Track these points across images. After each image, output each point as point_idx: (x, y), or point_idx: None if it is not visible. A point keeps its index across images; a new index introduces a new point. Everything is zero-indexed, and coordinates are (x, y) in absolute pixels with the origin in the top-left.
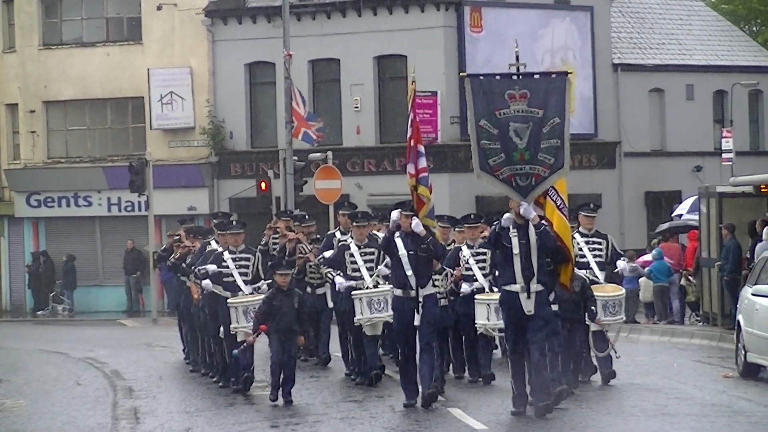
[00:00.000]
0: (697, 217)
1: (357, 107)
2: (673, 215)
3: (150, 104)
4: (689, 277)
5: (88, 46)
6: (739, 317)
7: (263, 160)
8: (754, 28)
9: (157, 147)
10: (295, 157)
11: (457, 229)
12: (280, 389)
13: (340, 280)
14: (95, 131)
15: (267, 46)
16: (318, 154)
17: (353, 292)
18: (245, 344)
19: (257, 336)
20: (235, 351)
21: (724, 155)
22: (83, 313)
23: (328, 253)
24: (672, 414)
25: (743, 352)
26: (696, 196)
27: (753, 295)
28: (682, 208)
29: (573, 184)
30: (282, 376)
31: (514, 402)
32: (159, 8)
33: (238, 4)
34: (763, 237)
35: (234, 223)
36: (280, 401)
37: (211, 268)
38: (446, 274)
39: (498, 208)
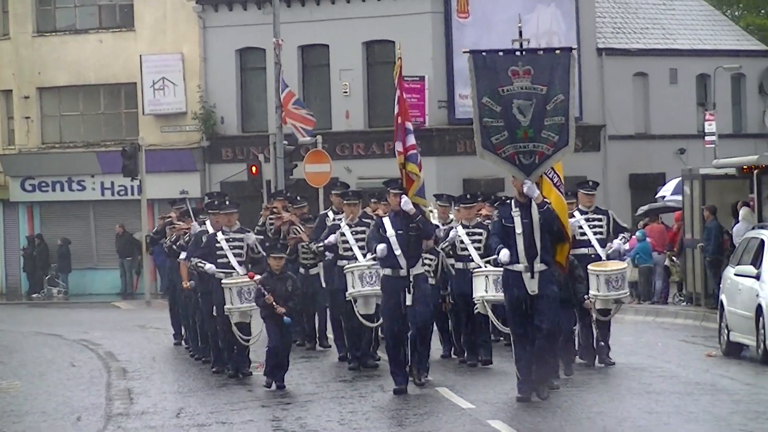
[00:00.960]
0: (680, 199)
1: (346, 92)
2: (657, 197)
3: (142, 90)
4: (673, 257)
5: (81, 32)
6: (722, 297)
7: (254, 144)
8: (737, 13)
9: (150, 132)
10: (285, 142)
11: (455, 207)
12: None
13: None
14: (89, 117)
15: (257, 32)
16: (308, 138)
17: (345, 266)
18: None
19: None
20: (287, 318)
21: (707, 138)
22: (78, 296)
23: (333, 238)
24: (657, 392)
25: (726, 332)
26: (679, 178)
27: (736, 275)
28: (666, 190)
29: (579, 164)
30: (277, 360)
31: (520, 388)
32: None
33: None
34: (740, 218)
35: (227, 202)
36: (274, 386)
37: (210, 268)
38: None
39: (485, 190)
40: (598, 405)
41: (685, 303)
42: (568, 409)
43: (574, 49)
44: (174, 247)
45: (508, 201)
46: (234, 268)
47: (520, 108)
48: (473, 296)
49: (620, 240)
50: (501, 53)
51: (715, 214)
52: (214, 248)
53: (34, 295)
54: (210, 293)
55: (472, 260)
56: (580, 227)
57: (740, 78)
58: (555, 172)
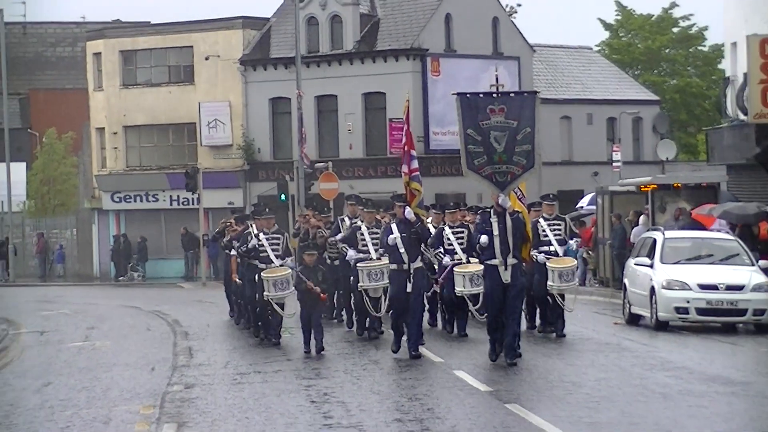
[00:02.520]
0: (594, 208)
1: (350, 130)
2: (577, 207)
3: (200, 128)
4: (589, 251)
5: (156, 85)
6: (625, 280)
7: (282, 168)
8: (636, 72)
9: (206, 159)
10: (305, 166)
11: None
12: (312, 342)
13: (351, 253)
14: (161, 147)
15: (285, 86)
16: (322, 164)
17: (358, 264)
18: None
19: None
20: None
21: (614, 164)
22: (152, 279)
23: (339, 236)
24: (577, 350)
25: (628, 306)
26: (594, 193)
27: (635, 264)
28: (584, 202)
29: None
30: (312, 334)
31: (490, 354)
32: (207, 58)
33: (263, 55)
34: (640, 223)
35: (267, 210)
36: (313, 352)
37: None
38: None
39: (452, 201)
40: (533, 360)
41: (598, 285)
42: (518, 370)
43: (538, 92)
44: (230, 244)
45: (488, 210)
46: (272, 261)
47: (496, 138)
48: (455, 288)
49: (573, 242)
50: (481, 95)
51: (620, 220)
52: (256, 245)
53: (120, 279)
54: (252, 280)
55: (456, 253)
56: (544, 230)
57: (639, 120)
58: (519, 190)
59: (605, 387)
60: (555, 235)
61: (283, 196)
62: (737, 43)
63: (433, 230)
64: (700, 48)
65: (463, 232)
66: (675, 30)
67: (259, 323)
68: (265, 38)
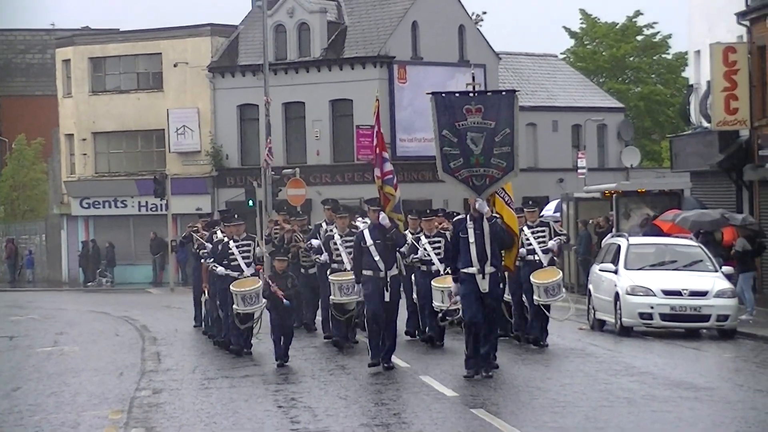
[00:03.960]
0: (559, 215)
1: (317, 137)
2: (542, 213)
3: (168, 134)
4: (554, 257)
5: (125, 92)
6: (590, 286)
7: (250, 174)
8: (601, 80)
9: (174, 165)
10: (272, 172)
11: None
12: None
13: (316, 246)
14: (129, 154)
15: (253, 93)
16: (289, 170)
17: (330, 277)
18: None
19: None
20: (287, 302)
21: (579, 170)
22: (120, 284)
23: (315, 242)
24: (542, 356)
25: (593, 311)
26: (559, 200)
27: (600, 270)
28: (549, 209)
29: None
30: (282, 341)
31: (466, 364)
32: (175, 65)
33: (232, 62)
34: (613, 230)
35: (236, 216)
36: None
37: (221, 270)
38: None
39: (419, 208)
40: (506, 366)
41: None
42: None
43: (518, 91)
44: (198, 252)
45: (464, 216)
46: (243, 269)
47: (473, 139)
48: (433, 303)
49: (555, 241)
50: (457, 95)
51: (586, 226)
52: (226, 253)
53: (88, 284)
54: (225, 290)
55: (434, 263)
56: (527, 239)
57: (603, 127)
58: (506, 192)
59: (570, 392)
60: (539, 243)
61: (250, 202)
62: (701, 51)
63: (410, 237)
64: (664, 56)
65: (440, 241)
66: (639, 38)
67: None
68: (233, 45)
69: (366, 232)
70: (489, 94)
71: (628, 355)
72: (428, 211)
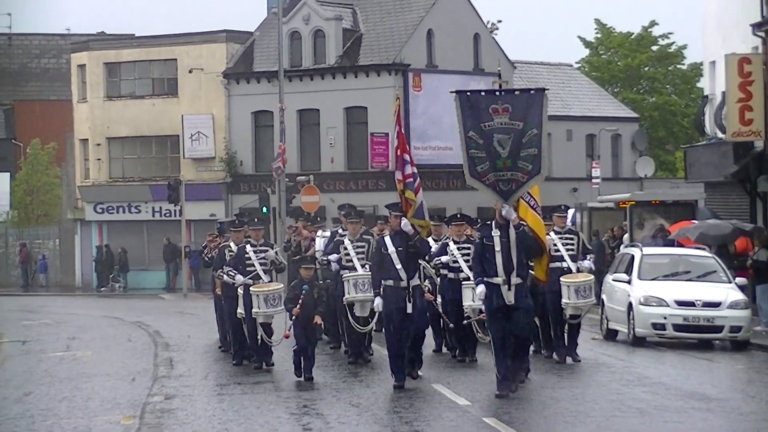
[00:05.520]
0: (573, 225)
1: (331, 144)
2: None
3: (183, 140)
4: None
5: (139, 98)
6: (603, 296)
7: (264, 181)
8: (615, 89)
9: (188, 171)
10: (287, 179)
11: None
12: (303, 367)
13: (333, 257)
14: (144, 159)
15: (267, 99)
16: (303, 177)
17: (343, 275)
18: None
19: (290, 330)
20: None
21: (593, 180)
22: (134, 290)
23: (334, 257)
24: (554, 366)
25: (606, 321)
26: (573, 209)
27: (613, 280)
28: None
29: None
30: (303, 358)
31: (499, 386)
32: (190, 71)
33: (247, 69)
34: (624, 240)
35: (255, 220)
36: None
37: (239, 280)
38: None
39: (459, 212)
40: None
41: None
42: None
43: (547, 90)
44: (209, 260)
45: (489, 223)
46: (260, 276)
47: (500, 141)
48: (463, 304)
49: (589, 260)
50: (483, 93)
51: (598, 235)
52: (243, 259)
53: (101, 289)
54: (234, 298)
55: (462, 270)
56: (555, 245)
57: (618, 137)
58: (531, 196)
59: (582, 402)
60: (567, 250)
61: (264, 209)
62: (716, 62)
63: (432, 243)
64: (679, 66)
65: (469, 248)
66: (654, 48)
67: (240, 346)
68: (248, 52)
69: (387, 239)
70: (517, 92)
71: (640, 366)
72: (458, 216)
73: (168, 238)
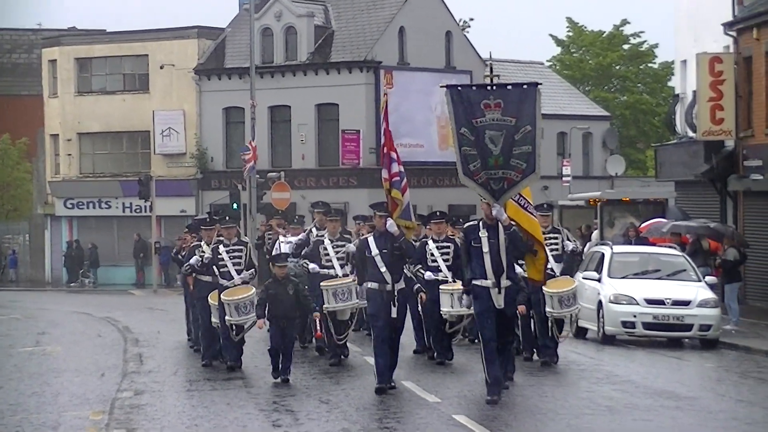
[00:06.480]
0: None
1: (302, 140)
2: None
3: (154, 136)
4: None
5: (110, 93)
6: None
7: (235, 177)
8: (587, 88)
9: (159, 167)
10: (257, 175)
11: (427, 227)
12: (280, 368)
13: (313, 266)
14: (114, 155)
15: (239, 96)
16: (274, 173)
17: (321, 284)
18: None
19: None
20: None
21: (564, 178)
22: (103, 285)
23: (312, 266)
24: (524, 364)
25: (576, 319)
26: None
27: (583, 278)
28: None
29: (466, 198)
30: (280, 357)
31: (490, 390)
32: (161, 67)
33: (218, 65)
34: (592, 238)
35: (227, 218)
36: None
37: (194, 259)
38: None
39: (438, 210)
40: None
41: None
42: (466, 376)
43: (540, 84)
44: (181, 259)
45: (476, 223)
46: (232, 276)
47: (492, 138)
48: (441, 309)
49: (573, 243)
50: (474, 88)
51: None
52: (216, 258)
53: (71, 284)
54: (206, 299)
55: (441, 270)
56: None
57: (589, 135)
58: (522, 196)
59: (551, 399)
60: (552, 251)
61: (235, 205)
62: (687, 61)
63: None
64: (650, 65)
65: (449, 247)
66: (626, 47)
67: (208, 346)
68: (219, 48)
69: (371, 240)
70: (509, 87)
71: (610, 364)
72: (438, 214)
73: (138, 234)
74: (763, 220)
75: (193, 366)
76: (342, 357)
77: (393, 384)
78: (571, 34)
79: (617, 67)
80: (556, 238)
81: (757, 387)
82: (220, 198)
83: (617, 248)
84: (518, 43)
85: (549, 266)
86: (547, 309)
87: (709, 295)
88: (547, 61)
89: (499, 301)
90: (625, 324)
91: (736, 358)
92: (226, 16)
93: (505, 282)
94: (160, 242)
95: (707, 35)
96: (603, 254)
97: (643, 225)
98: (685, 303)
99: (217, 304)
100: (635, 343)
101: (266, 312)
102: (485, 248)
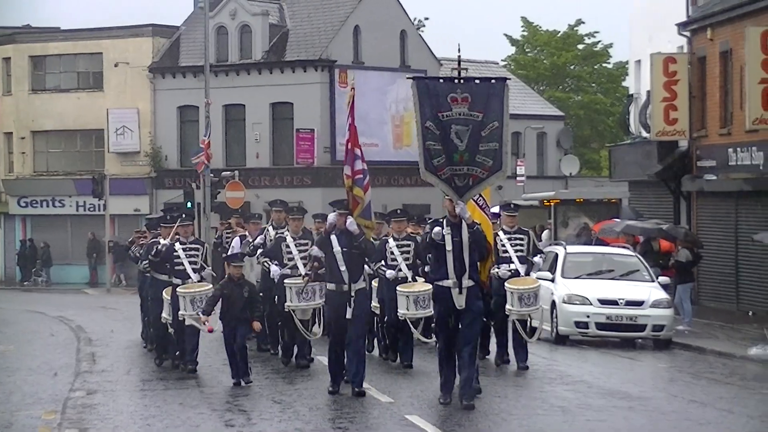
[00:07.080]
0: (498, 222)
1: (257, 139)
2: None
3: (108, 134)
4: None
5: (64, 91)
6: None
7: (189, 176)
8: (541, 87)
9: (113, 165)
10: (212, 174)
11: (390, 225)
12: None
13: (275, 269)
14: (68, 153)
15: (193, 94)
16: (228, 172)
17: (285, 281)
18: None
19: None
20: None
21: (518, 178)
22: (57, 284)
23: (275, 270)
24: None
25: (530, 320)
26: (498, 207)
27: (537, 278)
28: None
29: (421, 198)
30: (239, 357)
31: (442, 389)
32: (116, 65)
33: (173, 63)
34: (543, 238)
35: (183, 216)
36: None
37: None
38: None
39: (399, 208)
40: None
41: None
42: (420, 376)
43: (509, 79)
44: (135, 255)
45: (440, 220)
46: (189, 275)
47: (458, 133)
48: (398, 311)
49: (539, 258)
50: (442, 80)
51: None
52: (171, 257)
53: (24, 283)
54: (161, 299)
55: (401, 269)
56: (503, 245)
57: (543, 135)
58: (480, 196)
59: (504, 399)
60: (516, 251)
61: (189, 204)
62: (641, 61)
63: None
64: (604, 65)
65: (409, 245)
66: (580, 47)
67: (164, 346)
68: (174, 46)
69: (333, 238)
70: (477, 81)
71: (563, 364)
72: (399, 212)
73: (92, 232)
74: (716, 220)
75: (147, 365)
76: (306, 359)
77: (362, 390)
78: (525, 33)
79: (572, 67)
80: (522, 240)
81: (709, 387)
82: (174, 197)
83: (571, 248)
84: (473, 43)
85: (514, 267)
86: (507, 307)
87: (662, 295)
88: (502, 60)
89: (459, 301)
90: (578, 324)
91: (689, 359)
92: (180, 14)
93: (467, 282)
94: (113, 241)
95: (661, 35)
96: (556, 254)
97: (596, 225)
98: (639, 303)
99: (170, 298)
100: (588, 343)
101: (213, 310)
102: (448, 246)
